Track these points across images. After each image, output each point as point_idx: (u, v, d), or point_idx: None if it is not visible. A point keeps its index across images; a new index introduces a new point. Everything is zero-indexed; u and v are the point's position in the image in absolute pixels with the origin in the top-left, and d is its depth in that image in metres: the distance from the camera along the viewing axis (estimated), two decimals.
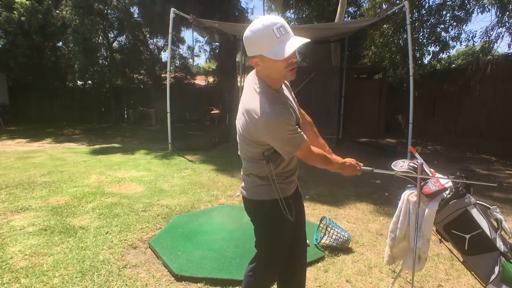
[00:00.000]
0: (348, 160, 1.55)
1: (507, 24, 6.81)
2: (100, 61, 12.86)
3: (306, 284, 2.15)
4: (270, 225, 1.47)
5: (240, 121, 1.35)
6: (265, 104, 1.24)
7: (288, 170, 1.45)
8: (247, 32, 1.23)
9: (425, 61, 9.38)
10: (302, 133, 1.33)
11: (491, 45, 7.28)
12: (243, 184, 1.51)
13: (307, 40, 1.20)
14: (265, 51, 1.19)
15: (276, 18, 1.21)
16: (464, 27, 8.45)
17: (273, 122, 1.22)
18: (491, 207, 1.70)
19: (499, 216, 1.67)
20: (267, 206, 1.42)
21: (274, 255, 1.53)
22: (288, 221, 1.43)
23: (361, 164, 1.57)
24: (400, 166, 1.83)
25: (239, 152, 1.48)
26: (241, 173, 1.53)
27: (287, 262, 1.65)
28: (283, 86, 1.43)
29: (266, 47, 1.18)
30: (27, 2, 10.65)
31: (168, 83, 7.12)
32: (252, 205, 1.49)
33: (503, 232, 1.68)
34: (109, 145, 8.19)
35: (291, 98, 1.43)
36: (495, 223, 1.69)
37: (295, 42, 1.17)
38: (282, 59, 1.17)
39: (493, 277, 1.58)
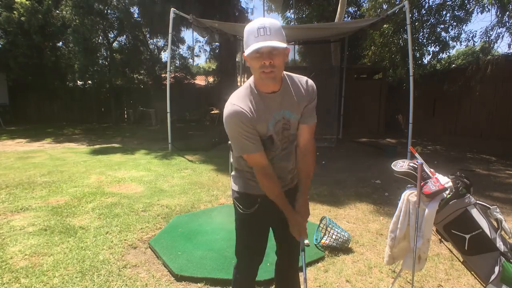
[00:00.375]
0: (299, 219, 1.40)
1: (507, 24, 6.80)
2: (100, 61, 12.85)
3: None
4: (236, 215, 1.53)
5: None
6: (234, 97, 1.33)
7: None
8: None
9: (425, 61, 9.38)
10: (256, 145, 1.30)
11: (491, 45, 7.27)
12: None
13: (275, 44, 1.17)
14: (246, 48, 1.25)
15: (265, 20, 1.22)
16: (464, 27, 8.45)
17: (228, 115, 1.29)
18: (491, 207, 1.70)
19: (499, 216, 1.67)
20: (234, 195, 1.51)
21: (246, 250, 1.56)
22: (261, 216, 1.45)
23: (304, 236, 1.41)
24: (400, 166, 1.83)
25: None
26: None
27: (280, 265, 1.65)
28: (287, 96, 1.35)
29: (247, 44, 1.24)
30: (27, 2, 10.64)
31: (168, 83, 7.12)
32: (232, 194, 1.56)
33: (503, 232, 1.68)
34: (109, 145, 8.19)
35: (278, 110, 1.34)
36: (495, 223, 1.69)
37: (260, 44, 1.17)
38: (246, 55, 1.23)
39: (493, 277, 1.58)
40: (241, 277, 1.59)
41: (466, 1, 7.87)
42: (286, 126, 1.38)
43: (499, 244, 1.61)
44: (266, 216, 1.48)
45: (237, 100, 1.30)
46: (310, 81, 1.44)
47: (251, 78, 1.36)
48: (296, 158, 1.49)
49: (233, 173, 1.55)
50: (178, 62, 14.87)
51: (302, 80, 1.42)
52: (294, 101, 1.37)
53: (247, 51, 1.21)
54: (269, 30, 1.19)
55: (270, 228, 1.58)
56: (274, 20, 1.24)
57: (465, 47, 11.18)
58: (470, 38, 7.94)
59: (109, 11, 12.39)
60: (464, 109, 8.60)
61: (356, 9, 12.43)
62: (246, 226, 1.51)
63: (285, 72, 1.37)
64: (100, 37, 12.70)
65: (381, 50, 9.82)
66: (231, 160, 1.55)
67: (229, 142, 1.42)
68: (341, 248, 2.64)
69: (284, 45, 1.20)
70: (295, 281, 1.69)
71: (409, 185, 1.85)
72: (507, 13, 6.57)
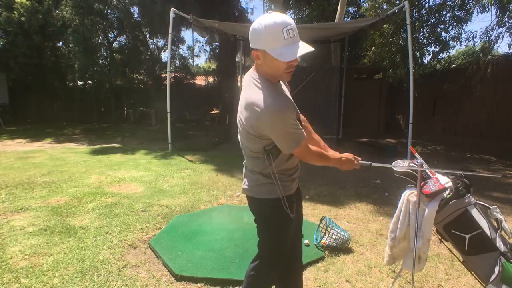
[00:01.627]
0: (345, 155, 1.55)
1: (507, 24, 6.80)
2: (100, 61, 12.84)
3: (306, 284, 2.15)
4: (274, 224, 1.47)
5: (242, 117, 1.34)
6: (267, 96, 1.25)
7: (292, 167, 1.46)
8: (256, 25, 1.23)
9: (425, 61, 9.38)
10: (303, 130, 1.34)
11: (491, 45, 7.27)
12: (246, 182, 1.50)
13: (312, 49, 1.22)
14: (269, 48, 1.21)
15: (288, 19, 1.22)
16: (464, 27, 8.46)
17: (276, 114, 1.24)
18: (491, 207, 1.70)
19: (499, 216, 1.67)
20: (270, 204, 1.42)
21: (277, 254, 1.52)
22: (291, 220, 1.44)
23: (359, 158, 1.58)
24: (400, 166, 1.83)
25: (243, 152, 1.50)
26: (244, 170, 1.53)
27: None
28: (282, 83, 1.44)
29: (272, 44, 1.20)
30: (27, 2, 10.64)
31: (168, 83, 7.12)
32: (256, 203, 1.48)
33: (503, 232, 1.68)
34: (109, 145, 8.19)
35: (289, 95, 1.45)
36: (495, 223, 1.69)
37: (302, 49, 1.20)
38: (286, 61, 1.21)
39: (493, 277, 1.58)
40: (268, 281, 1.59)
41: (466, 1, 7.86)
42: None
43: (499, 244, 1.61)
44: (295, 214, 1.49)
45: (273, 97, 1.26)
46: None
47: (256, 76, 1.33)
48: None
49: (258, 181, 1.43)
50: (178, 62, 14.87)
51: None
52: (286, 85, 1.49)
53: (293, 56, 1.19)
54: (296, 31, 1.22)
55: None
56: (288, 17, 1.25)
57: (465, 47, 11.20)
58: (470, 38, 7.94)
59: (109, 11, 12.39)
60: (464, 109, 8.60)
61: (356, 9, 12.42)
62: (290, 229, 1.48)
63: None
64: (100, 37, 12.70)
65: (381, 50, 9.82)
66: (252, 169, 1.45)
67: (266, 148, 1.34)
68: (341, 248, 2.64)
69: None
70: (300, 281, 1.72)
71: (409, 185, 1.85)
72: (507, 13, 6.57)
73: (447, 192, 1.69)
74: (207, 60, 19.35)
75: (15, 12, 10.71)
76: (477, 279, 1.77)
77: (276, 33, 1.18)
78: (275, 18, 1.20)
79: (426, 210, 1.68)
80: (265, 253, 1.55)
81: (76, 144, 8.24)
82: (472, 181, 1.72)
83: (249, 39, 1.29)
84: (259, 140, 1.33)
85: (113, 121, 13.19)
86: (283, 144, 1.30)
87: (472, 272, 1.78)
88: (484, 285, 1.64)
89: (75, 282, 2.14)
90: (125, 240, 2.77)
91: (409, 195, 1.79)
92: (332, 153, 1.56)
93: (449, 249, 2.11)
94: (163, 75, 13.63)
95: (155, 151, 7.21)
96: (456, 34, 8.27)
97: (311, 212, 3.54)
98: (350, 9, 12.35)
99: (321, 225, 2.79)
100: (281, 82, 1.42)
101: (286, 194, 1.42)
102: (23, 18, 10.64)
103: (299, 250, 1.69)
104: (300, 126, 1.32)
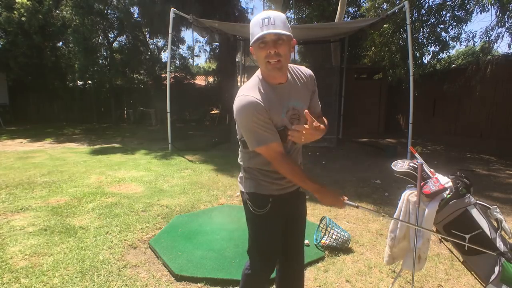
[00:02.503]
0: (332, 189, 1.40)
1: (507, 24, 6.81)
2: (100, 61, 12.84)
3: (306, 284, 2.15)
4: (251, 219, 1.50)
5: None
6: (248, 88, 1.32)
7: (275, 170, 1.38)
8: None
9: (425, 61, 9.38)
10: (274, 135, 1.29)
11: (491, 45, 7.27)
12: (240, 175, 1.57)
13: (283, 32, 1.21)
14: (251, 38, 1.27)
15: (269, 12, 1.26)
16: (464, 27, 8.46)
17: (242, 106, 1.27)
18: (491, 207, 1.70)
19: (499, 216, 1.67)
20: (250, 198, 1.46)
21: (261, 251, 1.53)
22: (268, 217, 1.44)
23: (345, 198, 1.40)
24: (400, 166, 1.83)
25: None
26: None
27: (285, 263, 1.65)
28: (294, 87, 1.39)
29: (252, 35, 1.26)
30: (28, 2, 10.64)
31: (168, 83, 7.12)
32: (242, 196, 1.53)
33: (503, 232, 1.68)
34: (109, 145, 8.19)
35: (287, 100, 1.36)
36: (495, 223, 1.69)
37: (264, 31, 1.21)
38: (251, 46, 1.26)
39: (493, 277, 1.58)
40: (258, 279, 1.58)
41: (466, 1, 7.86)
42: (295, 116, 1.39)
43: (499, 244, 1.61)
44: (278, 215, 1.47)
45: (249, 91, 1.30)
46: (308, 70, 1.50)
47: (258, 72, 1.37)
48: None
49: (241, 174, 1.52)
50: (178, 62, 14.87)
51: (301, 69, 1.47)
52: (300, 90, 1.42)
53: (252, 41, 1.24)
54: (274, 20, 1.22)
55: None
56: (279, 12, 1.28)
57: (465, 47, 11.19)
58: (470, 38, 7.95)
59: (109, 11, 12.39)
60: (464, 109, 8.59)
61: (356, 9, 12.42)
62: (261, 227, 1.48)
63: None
64: (100, 37, 12.70)
65: (381, 50, 9.81)
66: (240, 160, 1.52)
67: (240, 138, 1.41)
68: (341, 248, 2.64)
69: (288, 32, 1.23)
70: (301, 281, 1.70)
71: (409, 185, 1.85)
72: (507, 13, 6.57)
73: (447, 192, 1.69)
74: (207, 60, 19.35)
75: (15, 12, 10.71)
76: (477, 279, 1.77)
77: (255, 24, 1.24)
78: (260, 13, 1.27)
79: (426, 210, 1.68)
80: (252, 250, 1.57)
81: (76, 144, 8.24)
82: (472, 181, 1.72)
83: None
84: (238, 128, 1.40)
85: (113, 121, 13.19)
86: (245, 138, 1.34)
87: (472, 272, 1.78)
88: (484, 285, 1.64)
89: (75, 282, 2.14)
90: (125, 240, 2.77)
91: (409, 195, 1.79)
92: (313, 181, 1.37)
93: (449, 249, 2.12)
94: (163, 75, 13.63)
95: (155, 151, 7.21)
96: (456, 34, 8.27)
97: (311, 212, 3.53)
98: (350, 9, 12.36)
99: (321, 225, 2.79)
100: (289, 85, 1.38)
101: (258, 192, 1.43)
102: (23, 18, 10.63)
103: (299, 251, 1.66)
104: (269, 129, 1.27)
